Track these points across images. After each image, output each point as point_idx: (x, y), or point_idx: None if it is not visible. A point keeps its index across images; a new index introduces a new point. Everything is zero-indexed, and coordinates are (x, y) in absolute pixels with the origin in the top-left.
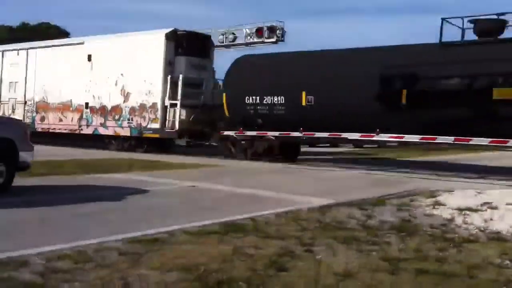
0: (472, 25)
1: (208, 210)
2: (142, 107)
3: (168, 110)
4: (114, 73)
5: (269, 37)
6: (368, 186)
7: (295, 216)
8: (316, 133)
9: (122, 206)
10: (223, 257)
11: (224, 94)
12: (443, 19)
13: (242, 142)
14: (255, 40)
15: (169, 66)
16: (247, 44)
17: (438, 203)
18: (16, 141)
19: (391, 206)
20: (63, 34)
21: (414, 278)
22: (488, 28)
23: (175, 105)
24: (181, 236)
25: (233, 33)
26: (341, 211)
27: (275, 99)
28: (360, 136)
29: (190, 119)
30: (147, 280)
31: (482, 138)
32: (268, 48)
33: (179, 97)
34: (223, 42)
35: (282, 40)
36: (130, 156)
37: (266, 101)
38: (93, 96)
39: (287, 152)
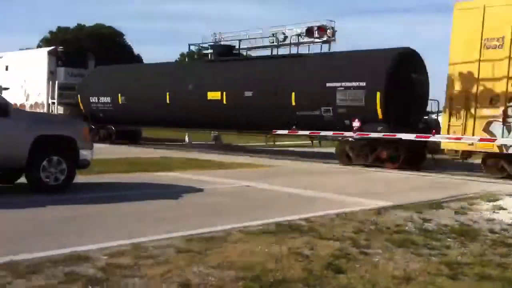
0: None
1: (263, 209)
2: (36, 104)
3: (50, 107)
4: (20, 79)
5: (319, 37)
6: (423, 188)
7: (350, 217)
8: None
9: (178, 204)
10: (279, 257)
11: (78, 95)
12: (190, 44)
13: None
14: (306, 40)
15: (51, 75)
16: (297, 44)
17: (498, 207)
18: (77, 139)
19: (449, 209)
20: (118, 35)
21: (475, 283)
22: (221, 51)
23: (54, 103)
24: (237, 235)
25: (283, 33)
26: (397, 213)
27: (106, 99)
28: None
29: (68, 113)
30: (205, 278)
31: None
32: (318, 47)
33: (55, 97)
34: (273, 42)
35: (333, 40)
36: (181, 155)
37: (102, 100)
38: (11, 96)
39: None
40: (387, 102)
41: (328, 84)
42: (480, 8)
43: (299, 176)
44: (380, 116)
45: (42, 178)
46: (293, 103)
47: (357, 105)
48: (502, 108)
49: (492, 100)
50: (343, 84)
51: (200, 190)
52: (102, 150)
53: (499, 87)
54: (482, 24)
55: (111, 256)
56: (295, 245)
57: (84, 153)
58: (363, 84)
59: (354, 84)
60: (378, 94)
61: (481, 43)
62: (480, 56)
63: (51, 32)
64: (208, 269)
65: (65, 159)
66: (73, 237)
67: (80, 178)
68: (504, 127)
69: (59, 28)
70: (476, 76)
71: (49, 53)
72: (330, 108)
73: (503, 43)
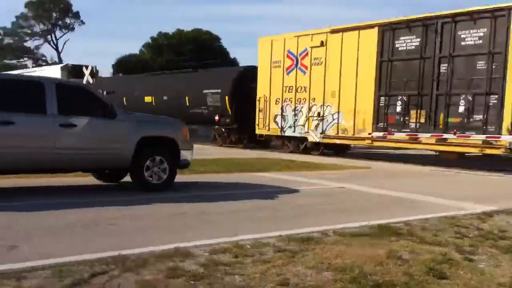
0: None
1: (358, 211)
2: None
3: None
4: None
5: None
6: None
7: (451, 221)
8: None
9: (274, 204)
10: (377, 260)
11: None
12: None
13: None
14: None
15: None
16: None
17: None
18: (178, 140)
19: None
20: (215, 39)
21: None
22: None
23: None
24: (334, 236)
25: None
26: (502, 218)
27: None
28: None
29: None
30: (304, 278)
31: None
32: None
33: None
34: None
35: None
36: (285, 156)
37: None
38: None
39: None
40: (233, 103)
41: (203, 91)
42: (269, 41)
43: (388, 177)
44: (229, 112)
45: (146, 177)
46: (187, 104)
47: (217, 105)
48: (280, 106)
49: (276, 101)
50: (210, 91)
51: (296, 191)
52: (198, 151)
53: (279, 93)
54: (270, 51)
55: (212, 253)
56: (394, 248)
57: (184, 153)
58: (219, 90)
59: (214, 91)
60: (227, 97)
61: (270, 64)
62: (270, 73)
63: (152, 38)
64: (306, 270)
65: (167, 159)
66: (175, 234)
67: (180, 177)
68: (282, 118)
69: (159, 33)
70: (269, 86)
71: (61, 68)
72: (206, 107)
73: (281, 64)
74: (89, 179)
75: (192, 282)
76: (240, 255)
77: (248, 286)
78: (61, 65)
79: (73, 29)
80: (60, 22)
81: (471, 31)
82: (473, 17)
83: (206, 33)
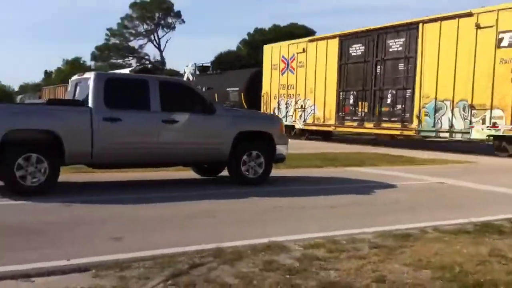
0: None
1: (458, 208)
2: None
3: None
4: None
5: None
6: None
7: None
8: None
9: (371, 199)
10: (479, 258)
11: None
12: None
13: None
14: None
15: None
16: None
17: None
18: (274, 135)
19: None
20: (310, 33)
21: None
22: None
23: None
24: (433, 233)
25: None
26: None
27: None
28: None
29: None
30: (400, 275)
31: None
32: None
33: None
34: None
35: None
36: (371, 150)
37: None
38: None
39: None
40: (247, 99)
41: (227, 89)
42: (270, 48)
43: (492, 173)
44: (245, 106)
45: (243, 171)
46: (217, 100)
47: (236, 101)
48: (277, 101)
49: (274, 97)
50: (231, 89)
51: (393, 186)
52: (295, 145)
53: (276, 90)
54: (271, 56)
55: (307, 248)
56: (497, 246)
57: (280, 148)
58: (237, 88)
59: (234, 89)
60: (242, 94)
61: (271, 67)
62: (270, 74)
63: (248, 34)
64: (403, 267)
65: (263, 154)
66: (271, 227)
67: (275, 172)
68: (278, 110)
69: (256, 29)
70: (269, 84)
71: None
72: (228, 102)
73: (277, 67)
74: (189, 173)
75: (288, 276)
76: (335, 250)
77: (344, 282)
78: (130, 69)
79: (174, 28)
80: (162, 22)
81: (395, 40)
82: (396, 30)
83: (301, 27)
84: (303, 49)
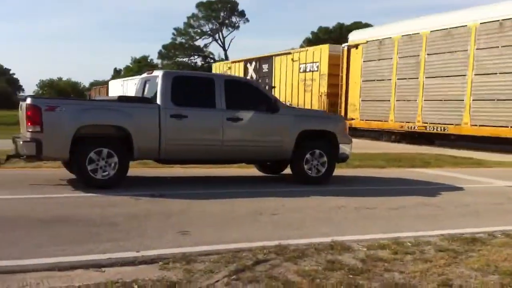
0: None
1: None
2: None
3: None
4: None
5: None
6: None
7: None
8: None
9: (437, 201)
10: None
11: None
12: None
13: None
14: None
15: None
16: None
17: None
18: (337, 134)
19: None
20: None
21: None
22: None
23: None
24: (502, 238)
25: None
26: None
27: None
28: None
29: None
30: (468, 280)
31: None
32: None
33: None
34: None
35: None
36: (436, 151)
37: None
38: None
39: None
40: None
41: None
42: (216, 66)
43: None
44: None
45: (305, 170)
46: None
47: None
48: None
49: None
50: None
51: (460, 188)
52: (358, 145)
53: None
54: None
55: (370, 249)
56: None
57: (343, 147)
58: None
59: None
60: None
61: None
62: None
63: (312, 33)
64: (470, 271)
65: (326, 153)
66: (334, 227)
67: (337, 171)
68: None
69: (320, 28)
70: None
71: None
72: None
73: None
74: (252, 171)
75: (351, 276)
76: (400, 252)
77: (408, 284)
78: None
79: (238, 27)
80: (227, 21)
81: (264, 65)
82: (265, 58)
83: (365, 25)
84: (229, 67)
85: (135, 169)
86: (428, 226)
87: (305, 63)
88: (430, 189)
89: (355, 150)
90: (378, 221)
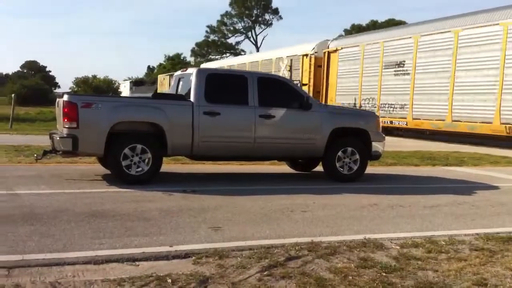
0: None
1: None
2: None
3: None
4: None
5: None
6: None
7: None
8: None
9: (472, 200)
10: None
11: None
12: None
13: None
14: None
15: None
16: None
17: None
18: (370, 131)
19: None
20: None
21: None
22: None
23: None
24: None
25: None
26: None
27: None
28: None
29: None
30: (503, 280)
31: None
32: None
33: None
34: None
35: None
36: (471, 149)
37: None
38: None
39: None
40: None
41: None
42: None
43: None
44: None
45: (337, 167)
46: None
47: None
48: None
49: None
50: None
51: (495, 187)
52: (389, 143)
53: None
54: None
55: (404, 247)
56: None
57: (376, 145)
58: None
59: None
60: None
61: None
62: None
63: (345, 30)
64: (506, 271)
65: (359, 150)
66: (366, 225)
67: (370, 169)
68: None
69: (353, 25)
70: None
71: (131, 82)
72: None
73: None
74: (284, 168)
75: (384, 274)
76: (434, 251)
77: (442, 283)
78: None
79: (271, 24)
80: (260, 19)
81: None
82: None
83: (399, 23)
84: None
85: (168, 165)
86: (463, 225)
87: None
88: (465, 187)
89: (390, 148)
90: (411, 219)
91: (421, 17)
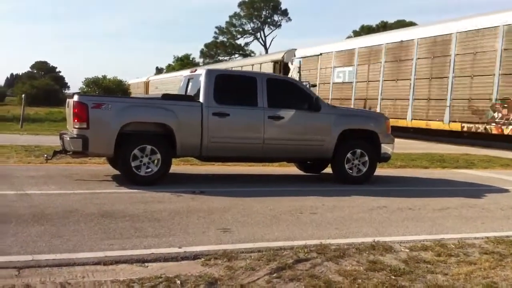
0: None
1: None
2: None
3: None
4: None
5: None
6: None
7: None
8: None
9: (482, 203)
10: None
11: None
12: None
13: None
14: None
15: None
16: None
17: None
18: (379, 133)
19: None
20: None
21: None
22: None
23: None
24: None
25: None
26: None
27: None
28: None
29: None
30: None
31: None
32: None
33: None
34: None
35: None
36: (483, 152)
37: None
38: None
39: None
40: None
41: None
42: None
43: None
44: None
45: (346, 169)
46: None
47: None
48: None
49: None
50: None
51: (506, 190)
52: (397, 145)
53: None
54: None
55: (413, 250)
56: None
57: (385, 147)
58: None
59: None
60: None
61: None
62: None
63: (354, 32)
64: None
65: (368, 152)
66: (375, 227)
67: (379, 171)
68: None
69: (362, 26)
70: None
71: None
72: None
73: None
74: (293, 169)
75: (393, 277)
76: (443, 254)
77: (452, 287)
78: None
79: (280, 26)
80: (268, 20)
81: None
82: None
83: (409, 24)
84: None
85: (177, 166)
86: (473, 228)
87: None
88: (475, 190)
89: (399, 150)
90: (421, 222)
91: (429, 18)
